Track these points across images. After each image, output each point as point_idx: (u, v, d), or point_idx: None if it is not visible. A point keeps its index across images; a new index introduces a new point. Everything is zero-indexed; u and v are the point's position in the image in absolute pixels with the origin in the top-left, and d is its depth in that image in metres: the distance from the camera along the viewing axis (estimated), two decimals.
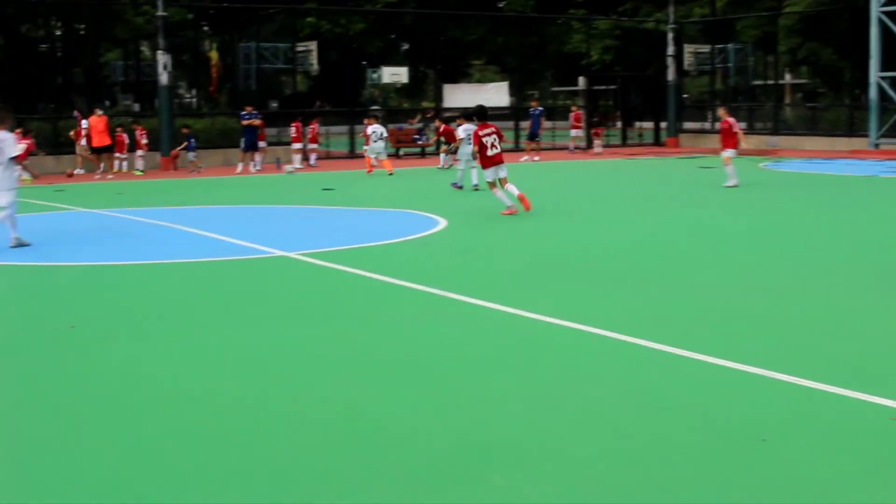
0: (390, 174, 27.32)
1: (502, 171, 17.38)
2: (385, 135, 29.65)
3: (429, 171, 30.38)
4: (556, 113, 48.59)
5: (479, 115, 17.99)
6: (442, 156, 31.55)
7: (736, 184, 21.19)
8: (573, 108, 41.77)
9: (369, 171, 28.30)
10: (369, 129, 28.56)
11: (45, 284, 11.25)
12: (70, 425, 5.97)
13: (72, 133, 30.30)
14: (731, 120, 22.16)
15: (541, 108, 35.69)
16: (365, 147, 29.27)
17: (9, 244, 13.67)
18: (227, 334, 8.37)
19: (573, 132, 39.27)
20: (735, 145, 21.69)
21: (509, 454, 5.32)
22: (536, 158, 34.17)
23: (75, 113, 32.14)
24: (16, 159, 13.98)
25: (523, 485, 4.91)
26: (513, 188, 17.19)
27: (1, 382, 7.04)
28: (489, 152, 17.14)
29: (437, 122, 33.19)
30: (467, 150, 21.56)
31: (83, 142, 29.58)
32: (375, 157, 28.56)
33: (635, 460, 5.23)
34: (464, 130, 22.71)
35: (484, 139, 17.16)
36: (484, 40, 59.06)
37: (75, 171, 29.12)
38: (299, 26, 48.56)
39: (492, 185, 17.55)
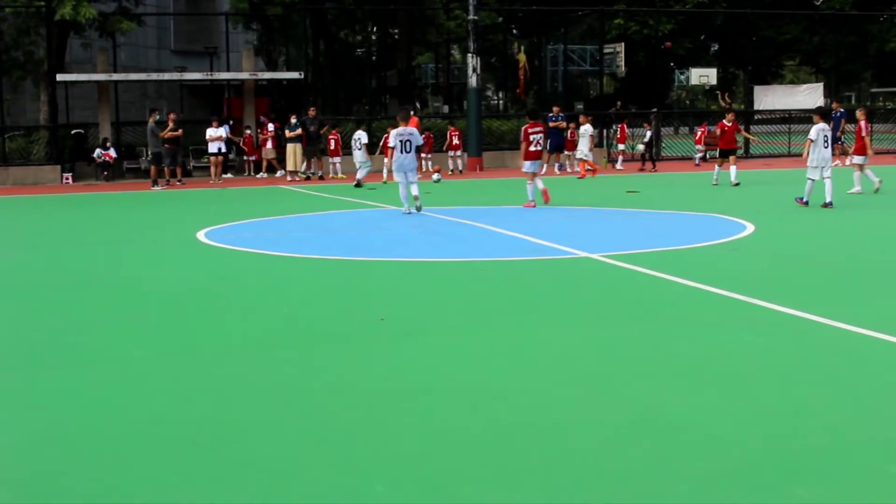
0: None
1: (536, 167, 19.66)
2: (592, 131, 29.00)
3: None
4: (877, 116, 46.11)
5: (531, 115, 21.00)
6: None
7: None
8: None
9: (582, 176, 28.51)
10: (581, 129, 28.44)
11: (358, 278, 11.70)
12: (371, 413, 6.16)
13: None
14: None
15: (842, 111, 33.86)
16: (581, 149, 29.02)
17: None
18: (530, 332, 8.45)
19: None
20: None
21: (816, 467, 5.07)
22: (836, 163, 32.48)
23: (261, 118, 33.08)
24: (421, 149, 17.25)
25: (829, 499, 4.69)
26: (539, 183, 19.67)
27: (310, 369, 7.35)
28: (532, 147, 19.37)
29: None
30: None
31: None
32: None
33: None
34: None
35: (531, 136, 19.42)
36: (798, 40, 56.94)
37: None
38: (607, 28, 48.45)
39: (530, 176, 19.59)
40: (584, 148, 28.42)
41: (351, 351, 7.88)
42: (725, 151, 24.54)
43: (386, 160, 24.46)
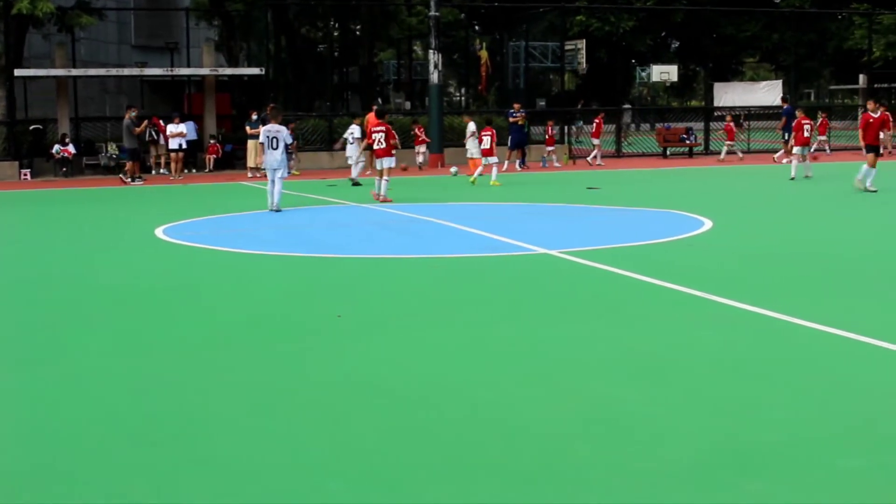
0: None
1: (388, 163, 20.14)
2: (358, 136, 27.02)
3: (698, 171, 29.76)
4: (834, 113, 46.56)
5: (377, 113, 22.14)
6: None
7: None
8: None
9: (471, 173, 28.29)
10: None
11: (318, 275, 11.70)
12: (328, 410, 6.17)
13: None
14: None
15: (788, 107, 34.07)
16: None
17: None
18: (488, 329, 8.48)
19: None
20: None
21: (769, 462, 5.14)
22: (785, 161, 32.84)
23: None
24: (290, 147, 15.94)
25: (781, 493, 4.74)
26: (382, 185, 19.88)
27: (267, 366, 7.34)
28: (375, 146, 20.16)
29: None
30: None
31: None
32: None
33: None
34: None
35: (374, 134, 20.31)
36: (758, 37, 57.35)
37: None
38: (568, 25, 48.58)
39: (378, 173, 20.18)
40: (471, 147, 28.60)
41: (308, 348, 7.88)
42: (872, 147, 21.17)
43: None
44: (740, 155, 34.71)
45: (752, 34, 57.58)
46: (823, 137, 36.63)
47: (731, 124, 34.08)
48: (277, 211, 18.09)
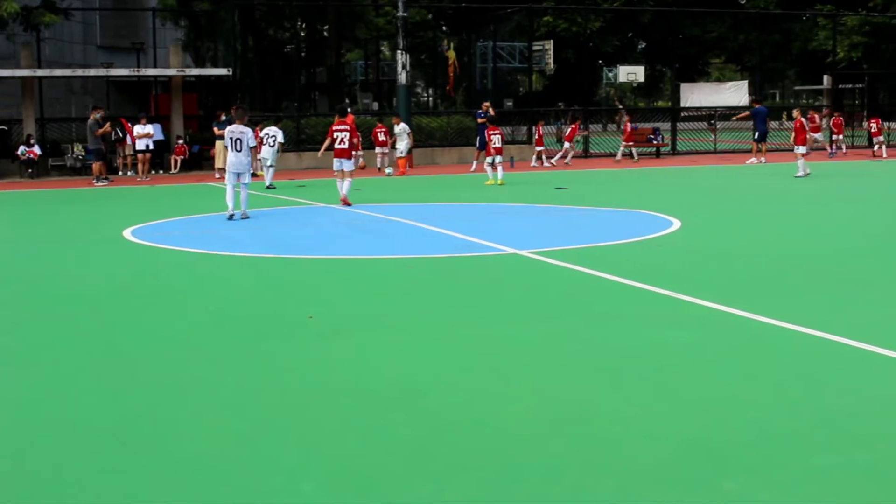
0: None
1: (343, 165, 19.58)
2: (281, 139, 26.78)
3: (663, 171, 29.91)
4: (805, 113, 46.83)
5: (340, 112, 21.24)
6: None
7: None
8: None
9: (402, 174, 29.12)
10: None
11: (288, 276, 11.67)
12: (299, 411, 6.15)
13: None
14: None
15: (759, 107, 34.29)
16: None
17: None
18: (458, 329, 8.48)
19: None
20: None
21: (742, 460, 5.16)
22: (753, 160, 33.07)
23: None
24: (254, 150, 15.80)
25: (756, 491, 4.76)
26: (344, 186, 19.55)
27: (241, 368, 7.31)
28: (337, 145, 19.46)
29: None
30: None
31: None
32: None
33: (877, 472, 4.98)
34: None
35: (336, 133, 19.57)
36: (724, 38, 57.74)
37: None
38: (536, 25, 48.70)
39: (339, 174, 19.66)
40: (401, 146, 29.45)
41: (279, 349, 7.85)
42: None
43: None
44: (635, 157, 35.14)
45: (718, 35, 57.97)
46: (840, 136, 36.86)
47: (629, 125, 34.34)
48: (245, 218, 17.26)
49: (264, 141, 26.26)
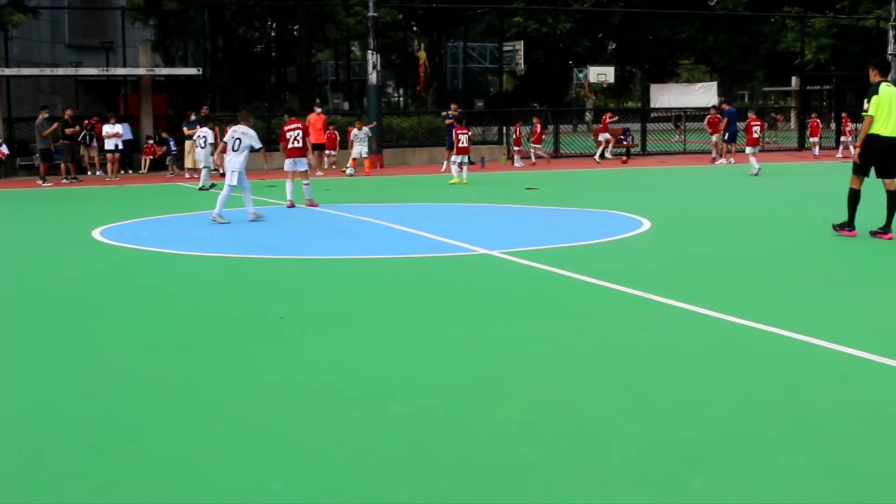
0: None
1: (296, 165, 19.58)
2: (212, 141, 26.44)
3: (633, 171, 30.03)
4: (767, 114, 47.22)
5: (289, 112, 21.84)
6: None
7: None
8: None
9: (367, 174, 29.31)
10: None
11: (259, 276, 11.64)
12: (271, 412, 6.13)
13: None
14: None
15: (730, 108, 34.47)
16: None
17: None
18: (430, 329, 8.49)
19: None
20: None
21: (711, 459, 5.20)
22: (722, 161, 33.33)
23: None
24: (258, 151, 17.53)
25: (724, 490, 4.79)
26: (307, 191, 19.62)
27: (213, 368, 7.29)
28: (290, 145, 19.39)
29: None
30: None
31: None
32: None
33: (845, 471, 5.03)
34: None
35: (288, 134, 19.56)
36: (693, 39, 58.07)
37: None
38: (506, 26, 48.78)
39: (290, 174, 19.65)
40: (361, 149, 29.75)
41: (250, 349, 7.82)
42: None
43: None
44: (546, 157, 35.51)
45: (687, 36, 58.31)
46: (847, 139, 36.99)
47: (538, 126, 34.64)
48: (257, 219, 16.98)
49: (197, 143, 26.32)
